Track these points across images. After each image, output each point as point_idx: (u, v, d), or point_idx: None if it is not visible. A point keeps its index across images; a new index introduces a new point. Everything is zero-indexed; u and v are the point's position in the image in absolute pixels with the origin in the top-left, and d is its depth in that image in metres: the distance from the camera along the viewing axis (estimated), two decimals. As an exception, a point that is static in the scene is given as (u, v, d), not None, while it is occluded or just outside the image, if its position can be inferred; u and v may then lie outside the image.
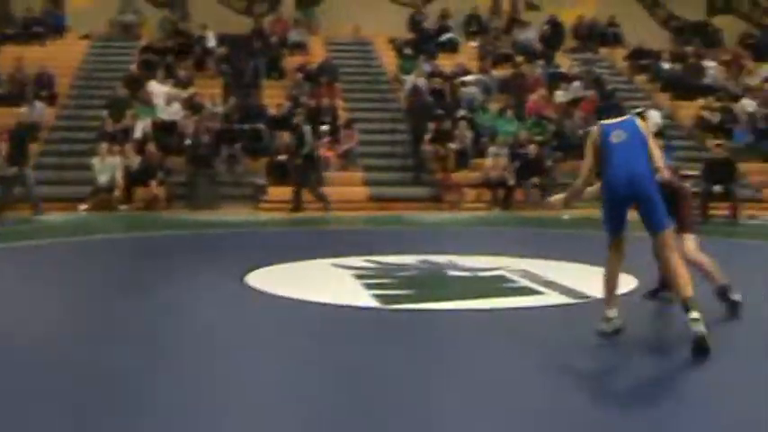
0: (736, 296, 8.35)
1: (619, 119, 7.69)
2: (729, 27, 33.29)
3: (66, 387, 6.16)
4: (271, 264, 11.97)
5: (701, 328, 6.77)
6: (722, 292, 8.35)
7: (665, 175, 7.51)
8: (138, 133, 22.90)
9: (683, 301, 7.02)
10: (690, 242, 8.45)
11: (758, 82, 28.77)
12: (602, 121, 7.70)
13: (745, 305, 8.36)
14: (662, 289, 8.97)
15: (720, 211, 20.00)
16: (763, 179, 24.20)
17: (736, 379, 6.43)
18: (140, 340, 7.67)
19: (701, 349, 6.73)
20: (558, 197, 8.23)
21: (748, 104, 26.88)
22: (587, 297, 9.25)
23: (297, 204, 21.08)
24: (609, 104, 8.61)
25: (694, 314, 6.84)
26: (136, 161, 21.70)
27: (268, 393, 6.17)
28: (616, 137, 7.40)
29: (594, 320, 7.48)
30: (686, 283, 7.10)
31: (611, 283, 7.53)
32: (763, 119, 26.35)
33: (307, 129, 22.03)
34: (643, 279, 9.66)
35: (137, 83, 24.94)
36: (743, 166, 23.39)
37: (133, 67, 26.12)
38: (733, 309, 8.34)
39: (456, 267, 11.79)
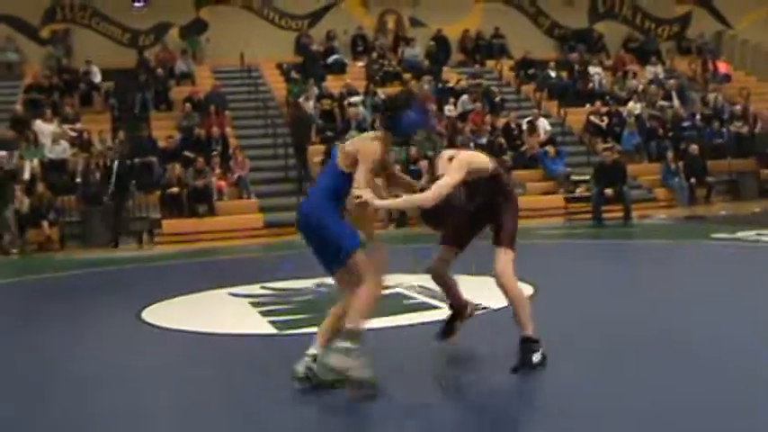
0: (537, 357, 6.75)
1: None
2: (612, 32, 33.88)
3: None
4: (167, 298, 11.83)
5: (333, 361, 6.36)
6: (525, 343, 6.81)
7: (356, 199, 6.66)
8: (26, 174, 22.51)
9: (347, 332, 6.48)
10: (504, 259, 6.97)
11: (643, 85, 29.32)
12: None
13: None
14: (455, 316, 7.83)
15: (613, 213, 20.31)
16: (654, 179, 24.66)
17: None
18: (31, 387, 7.46)
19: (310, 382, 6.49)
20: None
21: (634, 107, 27.37)
22: (484, 308, 9.22)
23: (116, 240, 21.24)
24: (388, 108, 7.02)
25: (346, 344, 6.39)
26: (26, 203, 21.32)
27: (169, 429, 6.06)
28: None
29: (492, 331, 7.50)
30: (362, 316, 6.60)
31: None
32: (649, 121, 26.83)
33: (115, 164, 21.78)
34: (542, 286, 9.73)
35: (22, 123, 24.49)
36: (633, 168, 23.80)
37: (18, 107, 25.68)
38: (521, 364, 6.73)
39: (353, 288, 11.73)
